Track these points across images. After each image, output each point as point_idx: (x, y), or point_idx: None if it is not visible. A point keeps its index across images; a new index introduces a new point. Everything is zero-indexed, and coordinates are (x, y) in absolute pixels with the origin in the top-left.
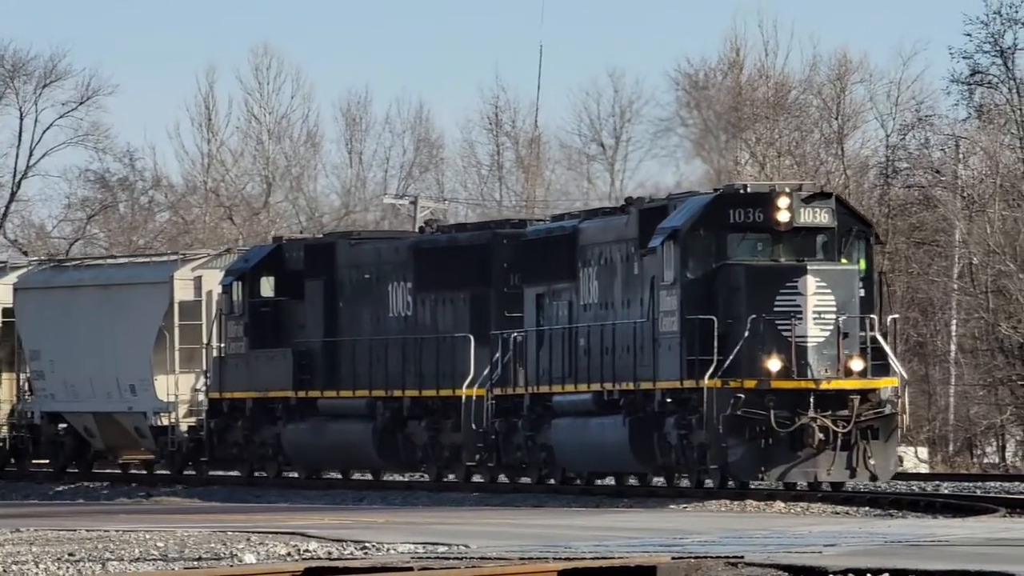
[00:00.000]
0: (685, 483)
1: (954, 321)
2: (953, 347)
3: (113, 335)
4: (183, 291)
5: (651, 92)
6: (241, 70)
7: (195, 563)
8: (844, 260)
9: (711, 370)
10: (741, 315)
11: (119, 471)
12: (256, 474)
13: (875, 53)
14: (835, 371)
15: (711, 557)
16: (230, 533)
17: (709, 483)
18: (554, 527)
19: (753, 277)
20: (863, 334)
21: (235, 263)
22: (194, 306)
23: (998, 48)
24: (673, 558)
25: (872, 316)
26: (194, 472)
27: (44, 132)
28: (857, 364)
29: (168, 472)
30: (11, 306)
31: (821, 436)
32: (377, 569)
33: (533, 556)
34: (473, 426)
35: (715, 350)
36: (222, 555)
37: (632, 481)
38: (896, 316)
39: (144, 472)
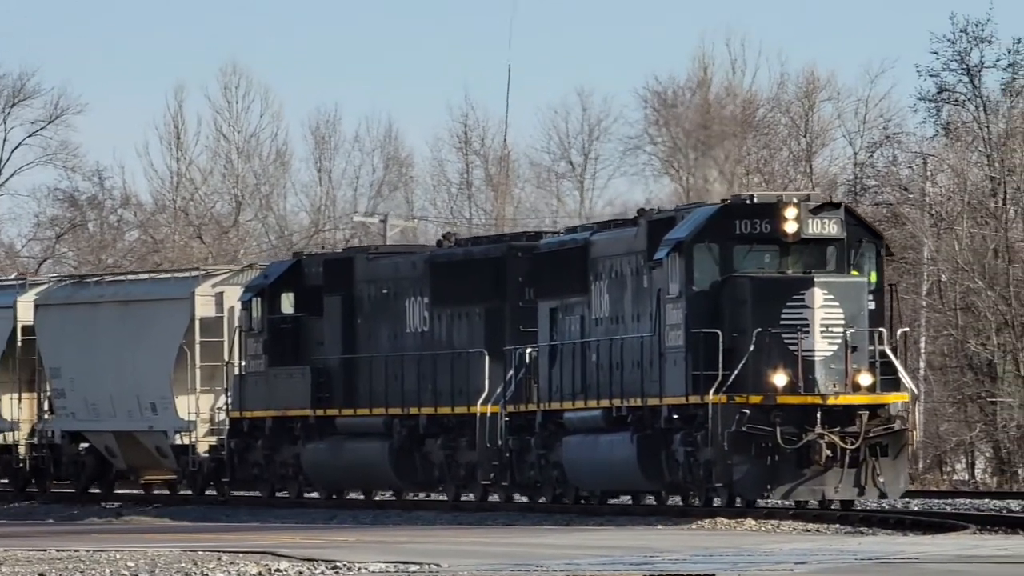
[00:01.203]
0: (679, 500)
1: (923, 338)
2: (922, 364)
3: (134, 352)
4: (204, 307)
5: (620, 110)
6: (210, 89)
7: None
8: (855, 272)
9: (716, 385)
10: (747, 329)
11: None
12: (278, 494)
13: (843, 71)
14: (843, 386)
15: (682, 575)
16: (201, 552)
17: (717, 502)
18: (525, 545)
19: (759, 289)
20: (872, 348)
21: (255, 279)
22: (215, 323)
23: (965, 66)
24: None
25: (881, 329)
26: (216, 492)
27: (13, 151)
28: (866, 379)
29: (190, 492)
30: (32, 323)
31: (828, 453)
32: None
33: (504, 574)
34: (488, 444)
35: (720, 364)
36: (192, 575)
37: (650, 500)
38: (906, 329)
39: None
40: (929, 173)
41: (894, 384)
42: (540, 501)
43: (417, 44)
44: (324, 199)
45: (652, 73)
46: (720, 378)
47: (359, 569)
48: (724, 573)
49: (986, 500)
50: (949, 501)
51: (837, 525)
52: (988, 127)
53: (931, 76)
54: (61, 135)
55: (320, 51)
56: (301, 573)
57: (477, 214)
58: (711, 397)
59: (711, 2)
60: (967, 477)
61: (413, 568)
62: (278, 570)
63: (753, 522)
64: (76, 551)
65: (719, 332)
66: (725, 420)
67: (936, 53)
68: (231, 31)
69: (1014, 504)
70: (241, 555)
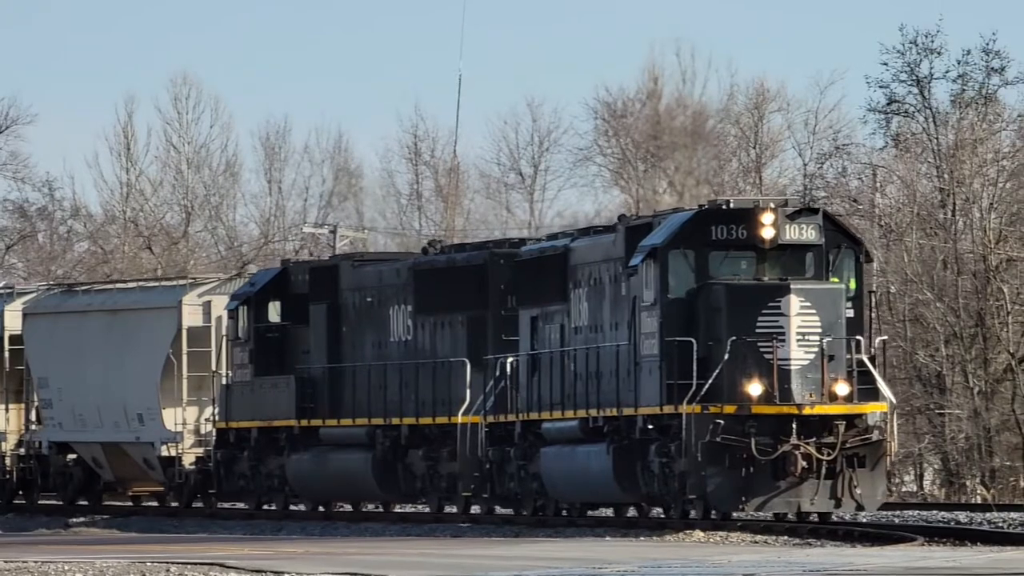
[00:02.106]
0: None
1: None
2: None
3: (121, 362)
4: (191, 317)
5: (569, 121)
6: (160, 100)
7: None
8: (835, 279)
9: (690, 395)
10: (722, 337)
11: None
12: (266, 507)
13: (792, 82)
14: (819, 396)
15: None
16: (149, 564)
17: (693, 514)
18: (474, 557)
19: (734, 297)
20: (849, 356)
21: (241, 287)
22: (203, 332)
23: (914, 77)
24: None
25: (859, 338)
26: (202, 505)
27: None
28: (843, 388)
29: (176, 505)
30: (19, 332)
31: (804, 464)
32: None
33: None
34: (468, 455)
35: (694, 374)
36: None
37: (632, 512)
38: (885, 338)
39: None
40: (878, 184)
41: (872, 394)
42: (523, 514)
43: (367, 55)
44: (274, 210)
45: (602, 84)
46: (694, 387)
47: None
48: None
49: (935, 512)
50: (898, 513)
51: (786, 537)
52: (937, 138)
53: (881, 87)
54: (11, 146)
55: (270, 62)
56: None
57: (427, 225)
58: (685, 407)
59: (661, 13)
60: (916, 489)
61: None
62: None
63: (701, 533)
64: (24, 562)
65: (693, 341)
66: (699, 430)
67: (886, 64)
68: (181, 42)
69: (962, 516)
70: (189, 566)
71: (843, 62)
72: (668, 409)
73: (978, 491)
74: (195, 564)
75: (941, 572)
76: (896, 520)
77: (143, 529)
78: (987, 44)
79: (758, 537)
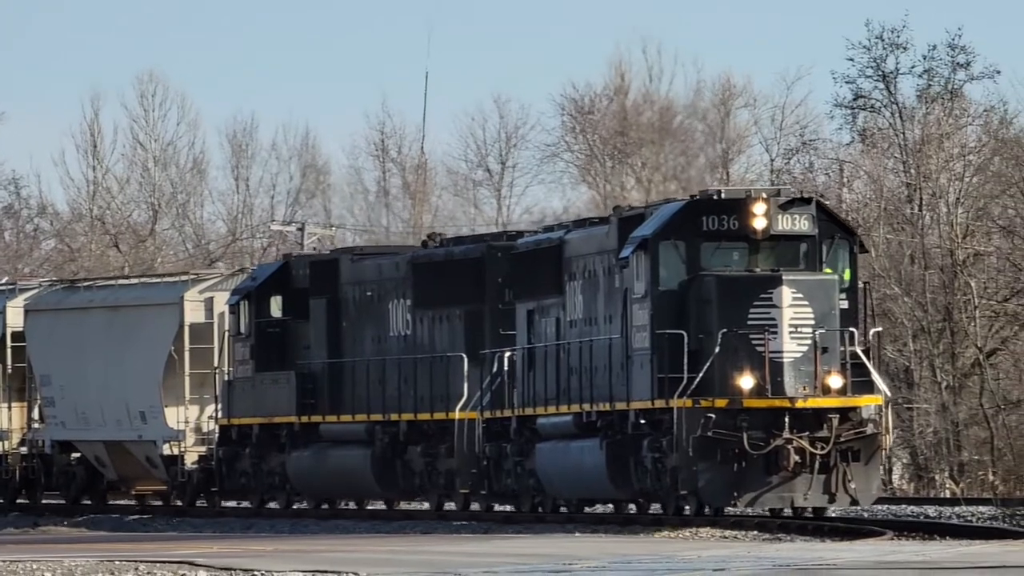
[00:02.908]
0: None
1: None
2: None
3: (122, 360)
4: (193, 313)
5: (537, 118)
6: (126, 97)
7: None
8: (828, 270)
9: (681, 389)
10: (713, 329)
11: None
12: (269, 505)
13: (759, 78)
14: (812, 389)
15: None
16: (118, 562)
17: (687, 510)
18: (443, 554)
19: (725, 288)
20: (843, 349)
21: (242, 282)
22: (205, 328)
23: (880, 73)
24: None
25: (852, 329)
26: (206, 503)
27: None
28: (836, 381)
29: (180, 504)
30: (22, 329)
31: (797, 459)
32: None
33: None
34: (466, 451)
35: (685, 367)
36: None
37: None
38: (879, 329)
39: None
40: (845, 179)
41: (866, 386)
42: (522, 511)
43: (334, 52)
44: (241, 207)
45: (569, 80)
46: (685, 381)
47: None
48: None
49: (903, 506)
50: (866, 507)
51: (755, 532)
52: (904, 133)
53: (847, 83)
54: None
55: (237, 59)
56: None
57: (394, 222)
58: (676, 401)
59: (627, 9)
60: (884, 483)
61: None
62: None
63: (670, 529)
64: None
65: (684, 333)
66: (690, 425)
67: (852, 60)
68: (148, 39)
69: (931, 510)
70: (158, 564)
71: (809, 58)
72: (659, 403)
73: (947, 485)
74: (164, 563)
75: (911, 566)
76: (865, 515)
77: (112, 528)
78: (953, 39)
79: (727, 532)
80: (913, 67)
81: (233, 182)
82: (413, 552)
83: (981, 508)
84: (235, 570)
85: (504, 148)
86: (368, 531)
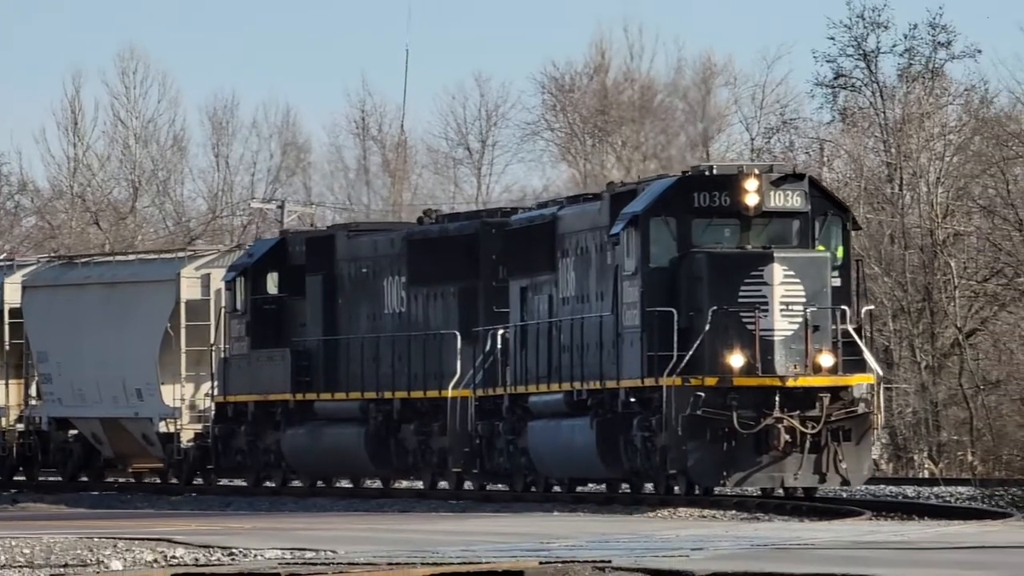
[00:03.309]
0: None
1: None
2: None
3: (119, 336)
4: (190, 290)
5: (517, 96)
6: (107, 74)
7: (61, 570)
8: (821, 247)
9: (670, 367)
10: (703, 307)
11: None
12: (267, 483)
13: (740, 56)
14: (803, 367)
15: (579, 562)
16: (96, 540)
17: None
18: (422, 532)
19: (715, 265)
20: (835, 327)
21: (239, 258)
22: (201, 305)
23: (861, 51)
24: (541, 563)
25: (844, 307)
26: (202, 482)
27: None
28: (827, 359)
29: (176, 482)
30: (19, 306)
31: (787, 438)
32: (244, 575)
33: (401, 562)
34: (458, 430)
35: (675, 345)
36: (88, 562)
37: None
38: (872, 307)
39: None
40: (826, 159)
41: (858, 365)
42: (516, 490)
43: (314, 30)
44: (221, 185)
45: (549, 59)
46: (675, 359)
47: (255, 556)
48: (620, 560)
49: (882, 486)
50: (845, 487)
51: (733, 511)
52: (884, 113)
53: (828, 62)
54: None
55: (218, 37)
56: (197, 560)
57: (375, 200)
58: (665, 379)
59: None
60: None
61: (309, 555)
62: (174, 557)
63: (648, 508)
64: None
65: (674, 311)
66: (680, 403)
67: (833, 39)
68: (129, 16)
69: (910, 490)
70: (137, 542)
71: (790, 36)
72: (649, 382)
73: (926, 465)
74: (142, 540)
75: (888, 546)
76: (844, 494)
77: (91, 505)
78: (933, 18)
79: (706, 512)
80: (894, 46)
81: (213, 160)
82: (391, 530)
83: (960, 488)
84: (213, 547)
85: (484, 126)
86: (346, 509)
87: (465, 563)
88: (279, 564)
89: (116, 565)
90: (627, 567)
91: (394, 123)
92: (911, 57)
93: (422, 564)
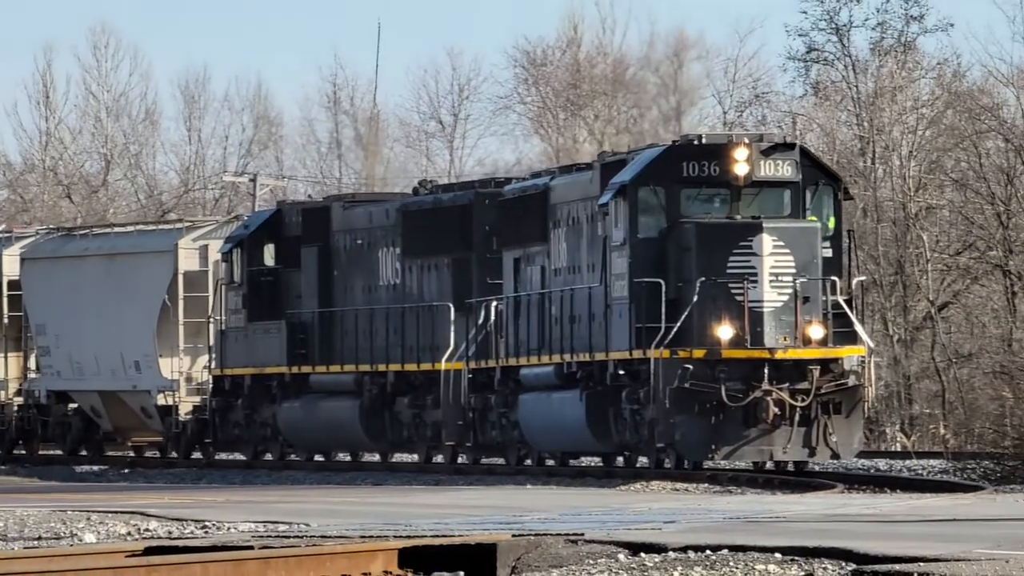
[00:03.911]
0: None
1: None
2: None
3: (117, 308)
4: (188, 261)
5: (489, 70)
6: (79, 48)
7: (35, 543)
8: (813, 218)
9: (658, 339)
10: (691, 278)
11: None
12: (266, 457)
13: (712, 30)
14: (793, 339)
15: (551, 535)
16: (70, 512)
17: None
18: (395, 505)
19: (704, 236)
20: (825, 298)
21: (235, 230)
22: (200, 276)
23: (834, 25)
24: (513, 536)
25: (834, 278)
26: (201, 456)
27: None
28: (817, 331)
29: (175, 456)
30: (18, 278)
31: (776, 411)
32: (217, 548)
33: (374, 535)
34: (451, 403)
35: (663, 317)
36: (62, 534)
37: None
38: (863, 279)
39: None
40: (798, 132)
41: (849, 337)
42: (510, 464)
43: (286, 3)
44: (194, 158)
45: (522, 32)
46: (663, 331)
47: (228, 529)
48: (593, 533)
49: (854, 459)
50: (817, 460)
51: (706, 484)
52: (857, 86)
53: (800, 35)
54: None
55: (189, 10)
56: (170, 533)
57: (347, 174)
58: (653, 351)
59: None
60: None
61: (282, 527)
62: (147, 530)
63: (621, 481)
64: None
65: (661, 282)
66: (667, 376)
67: (805, 12)
68: None
69: (882, 463)
70: (110, 515)
71: (762, 10)
72: (637, 354)
73: (898, 439)
74: (116, 513)
75: (860, 519)
76: (816, 468)
77: (64, 478)
78: None
79: (678, 485)
80: (866, 20)
81: (186, 133)
82: (364, 503)
83: (932, 461)
84: (186, 520)
85: (456, 100)
86: (319, 483)
87: (438, 536)
88: (252, 537)
89: (90, 538)
90: (600, 539)
91: (366, 97)
92: (883, 31)
93: (395, 537)
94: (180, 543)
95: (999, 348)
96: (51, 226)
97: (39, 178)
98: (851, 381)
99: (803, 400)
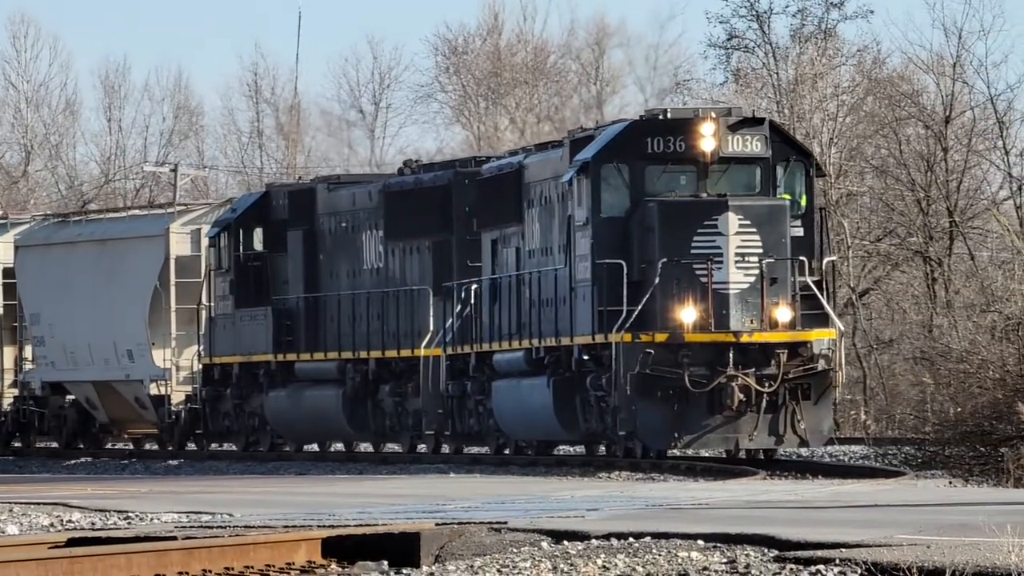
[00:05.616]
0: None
1: None
2: None
3: (109, 296)
4: (179, 245)
5: (410, 58)
6: None
7: None
8: (786, 195)
9: (619, 322)
10: (654, 259)
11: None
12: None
13: (633, 18)
14: (759, 322)
15: (475, 523)
16: None
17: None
18: (318, 495)
19: (667, 215)
20: (793, 279)
21: (223, 213)
22: (192, 262)
23: (754, 12)
24: (437, 524)
25: (802, 258)
26: (195, 447)
27: None
28: (785, 314)
29: (170, 448)
30: (12, 266)
31: (742, 397)
32: (140, 539)
33: (297, 524)
34: (431, 390)
35: (624, 299)
36: None
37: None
38: (834, 258)
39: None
40: None
41: (819, 320)
42: (490, 452)
43: None
44: (114, 149)
45: (443, 21)
46: (624, 314)
47: (151, 519)
48: (516, 521)
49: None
50: (785, 448)
51: (628, 472)
52: (778, 73)
53: (720, 23)
54: None
55: (109, 1)
56: (93, 524)
57: (268, 163)
58: (614, 335)
59: None
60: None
61: (206, 518)
62: (70, 521)
63: (544, 469)
64: None
65: (623, 263)
66: (628, 361)
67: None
68: None
69: (804, 450)
70: (32, 506)
71: None
72: (600, 338)
73: None
74: (38, 504)
75: (783, 505)
76: (782, 456)
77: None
78: None
79: (600, 473)
80: (786, 7)
81: (106, 123)
82: (287, 493)
83: (853, 447)
84: (109, 511)
85: (378, 89)
86: (242, 472)
87: (361, 525)
88: (175, 527)
89: (12, 530)
90: (523, 528)
91: (287, 86)
92: (804, 18)
93: (318, 527)
94: (103, 534)
95: (919, 334)
96: (46, 212)
97: None
98: (820, 365)
99: (770, 385)
